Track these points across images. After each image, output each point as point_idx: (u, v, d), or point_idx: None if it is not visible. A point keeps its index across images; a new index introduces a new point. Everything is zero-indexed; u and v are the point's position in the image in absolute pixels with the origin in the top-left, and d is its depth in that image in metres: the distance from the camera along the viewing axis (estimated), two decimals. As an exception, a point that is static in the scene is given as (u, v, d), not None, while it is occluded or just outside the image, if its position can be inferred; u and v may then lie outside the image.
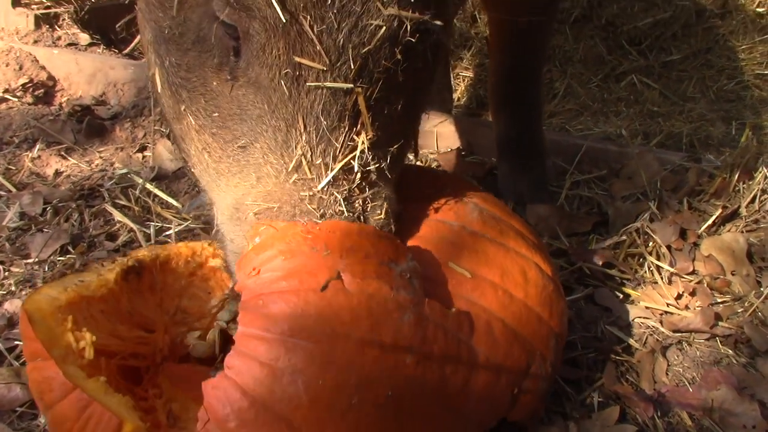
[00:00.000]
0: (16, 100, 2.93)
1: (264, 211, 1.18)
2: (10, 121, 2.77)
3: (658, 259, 1.95)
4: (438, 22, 1.15)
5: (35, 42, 3.35)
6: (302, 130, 1.16)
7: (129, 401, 1.19)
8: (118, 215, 2.16)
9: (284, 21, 1.07)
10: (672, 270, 1.91)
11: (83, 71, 3.09)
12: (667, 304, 1.81)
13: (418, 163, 2.47)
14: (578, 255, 1.96)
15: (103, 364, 1.27)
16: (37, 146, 2.61)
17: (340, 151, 1.17)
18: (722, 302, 1.83)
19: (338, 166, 1.17)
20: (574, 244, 2.04)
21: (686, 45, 3.77)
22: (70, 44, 3.39)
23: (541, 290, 1.32)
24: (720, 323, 1.75)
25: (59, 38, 3.43)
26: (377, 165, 1.21)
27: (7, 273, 1.93)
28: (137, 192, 2.29)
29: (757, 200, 2.08)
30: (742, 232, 2.01)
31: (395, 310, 1.09)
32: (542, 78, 2.48)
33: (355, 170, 1.18)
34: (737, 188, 2.14)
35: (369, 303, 1.07)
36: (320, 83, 1.13)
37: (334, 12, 1.07)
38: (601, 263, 1.92)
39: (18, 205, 2.19)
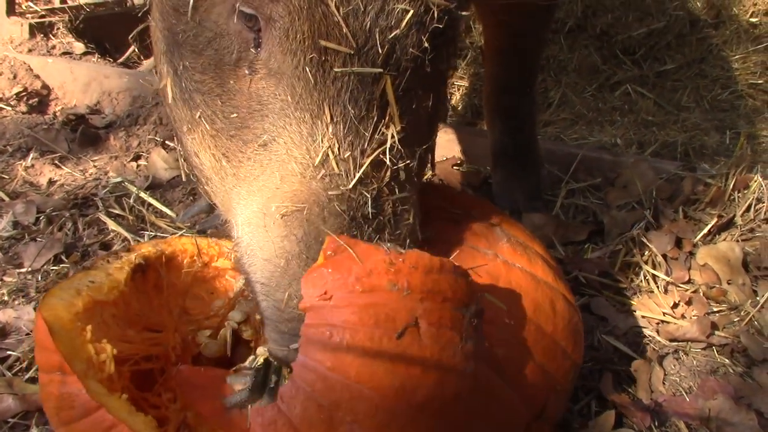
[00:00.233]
0: (10, 108, 2.92)
1: (291, 212, 1.12)
2: (3, 129, 2.76)
3: (654, 268, 1.95)
4: (464, 12, 1.13)
5: (30, 51, 3.35)
6: (329, 121, 1.10)
7: (152, 421, 1.14)
8: (112, 224, 2.15)
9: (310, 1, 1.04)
10: (668, 279, 1.91)
11: (78, 80, 3.09)
12: (664, 314, 1.81)
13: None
14: (574, 264, 1.95)
15: (116, 376, 1.22)
16: (31, 155, 2.60)
17: (368, 144, 1.12)
18: (718, 311, 1.83)
19: (368, 160, 1.11)
20: (570, 254, 2.03)
21: (680, 55, 3.79)
22: (64, 53, 3.39)
23: (568, 323, 1.29)
24: (716, 332, 1.74)
25: (54, 47, 3.43)
26: (406, 163, 1.16)
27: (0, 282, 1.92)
28: (131, 201, 2.28)
29: (752, 209, 2.09)
30: (738, 241, 2.01)
31: (462, 362, 1.03)
32: (537, 87, 2.48)
33: (387, 165, 1.12)
34: (732, 197, 2.14)
35: (440, 356, 1.00)
36: (348, 68, 1.08)
37: None
38: (596, 272, 1.92)
39: (11, 214, 2.18)
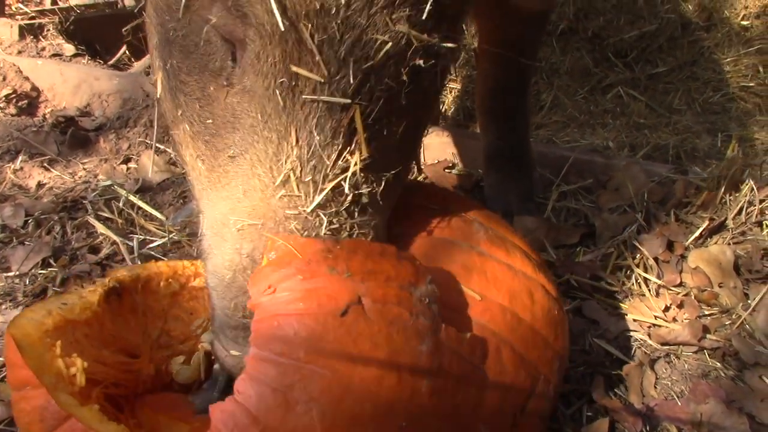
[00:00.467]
0: (-1, 111, 2.90)
1: (247, 227, 1.14)
2: (-8, 132, 2.75)
3: (646, 271, 1.95)
4: (450, 45, 1.11)
5: (19, 53, 3.33)
6: (294, 144, 1.11)
7: (125, 429, 1.14)
8: (101, 228, 2.13)
9: (282, 29, 1.03)
10: (659, 282, 1.91)
11: (68, 82, 3.07)
12: (655, 317, 1.80)
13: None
14: (565, 267, 1.95)
15: (87, 390, 1.21)
16: (20, 158, 2.59)
17: (331, 170, 1.13)
18: (710, 315, 1.83)
19: (329, 186, 1.12)
20: (561, 257, 2.03)
21: (672, 57, 3.79)
22: (54, 55, 3.37)
23: (547, 312, 1.29)
24: (708, 336, 1.74)
25: (44, 49, 3.41)
26: (369, 189, 1.16)
27: (-14, 287, 1.90)
28: (121, 204, 2.26)
29: (743, 212, 2.08)
30: (729, 244, 2.01)
31: (414, 337, 1.04)
32: (530, 90, 2.48)
33: (346, 192, 1.13)
34: (724, 200, 2.14)
35: (389, 330, 1.02)
36: (317, 96, 1.08)
37: (338, 22, 1.03)
38: (588, 275, 1.91)
39: (-1, 218, 2.16)
